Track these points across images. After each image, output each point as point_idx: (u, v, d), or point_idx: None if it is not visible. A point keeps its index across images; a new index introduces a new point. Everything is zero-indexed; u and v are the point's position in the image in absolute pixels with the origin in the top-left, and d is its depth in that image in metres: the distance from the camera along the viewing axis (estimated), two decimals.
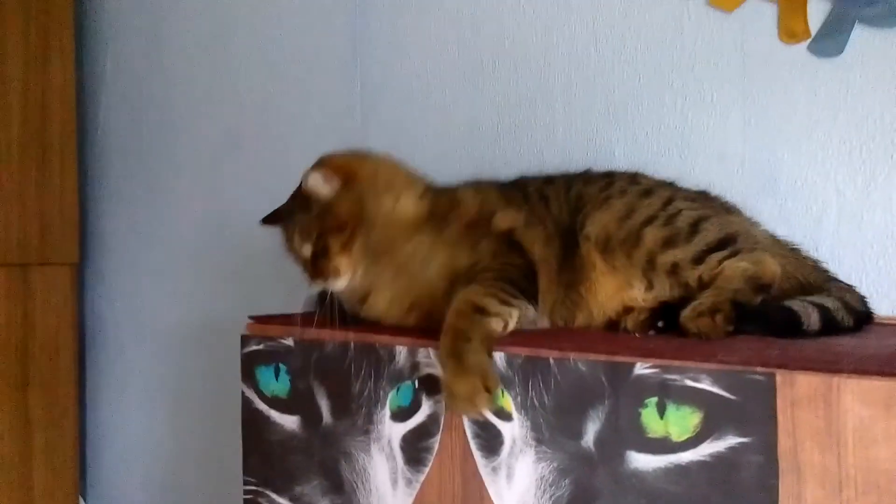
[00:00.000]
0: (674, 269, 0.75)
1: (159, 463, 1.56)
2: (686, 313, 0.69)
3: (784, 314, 0.69)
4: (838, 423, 0.51)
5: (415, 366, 0.74)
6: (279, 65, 1.36)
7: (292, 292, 1.11)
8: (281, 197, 1.32)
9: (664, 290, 0.76)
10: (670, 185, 0.83)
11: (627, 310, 0.78)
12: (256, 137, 1.40)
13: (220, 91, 1.45)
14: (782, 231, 0.82)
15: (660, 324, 0.73)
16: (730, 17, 0.91)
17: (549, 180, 0.87)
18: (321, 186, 0.83)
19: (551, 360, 0.65)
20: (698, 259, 0.75)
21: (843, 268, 0.81)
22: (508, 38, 1.09)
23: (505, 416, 0.68)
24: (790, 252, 0.81)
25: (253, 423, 0.87)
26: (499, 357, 0.68)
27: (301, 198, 0.86)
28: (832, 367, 0.53)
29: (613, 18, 1.00)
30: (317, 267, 0.82)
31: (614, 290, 0.78)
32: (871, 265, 0.84)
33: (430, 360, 0.73)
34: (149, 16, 1.56)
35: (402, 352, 0.74)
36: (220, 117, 1.45)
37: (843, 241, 0.83)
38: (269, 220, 0.91)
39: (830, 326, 0.70)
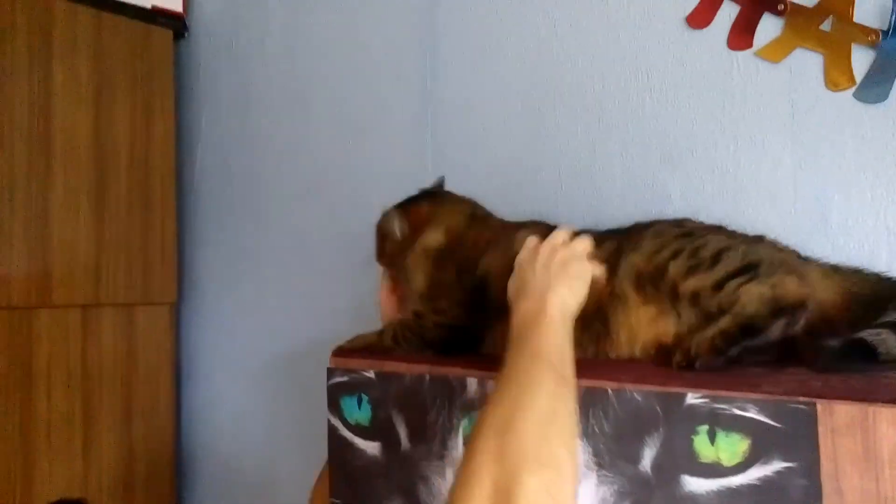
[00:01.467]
0: (695, 298, 0.77)
1: (251, 487, 1.67)
2: (695, 339, 0.73)
3: (858, 348, 0.69)
4: (875, 448, 0.56)
5: (485, 396, 0.81)
6: (356, 119, 1.47)
7: (368, 327, 1.22)
8: (357, 240, 1.43)
9: (690, 320, 0.78)
10: (718, 229, 0.86)
11: (662, 342, 0.80)
12: (335, 186, 1.51)
13: (301, 145, 1.57)
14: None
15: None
16: (778, 66, 0.96)
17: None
18: (395, 228, 0.97)
19: (609, 391, 0.71)
20: (718, 286, 0.75)
21: None
22: (566, 87, 1.17)
23: None
24: (852, 273, 0.80)
25: (338, 449, 0.94)
26: None
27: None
28: (869, 396, 0.57)
29: (666, 68, 1.07)
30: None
31: (648, 322, 0.81)
32: None
33: (485, 390, 0.80)
34: (239, 77, 1.71)
35: (473, 383, 0.81)
36: (301, 169, 1.57)
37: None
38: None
39: None
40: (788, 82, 0.95)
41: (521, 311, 0.75)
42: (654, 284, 0.81)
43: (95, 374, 1.60)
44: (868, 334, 0.70)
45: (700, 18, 1.03)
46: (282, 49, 1.61)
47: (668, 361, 0.76)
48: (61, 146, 1.55)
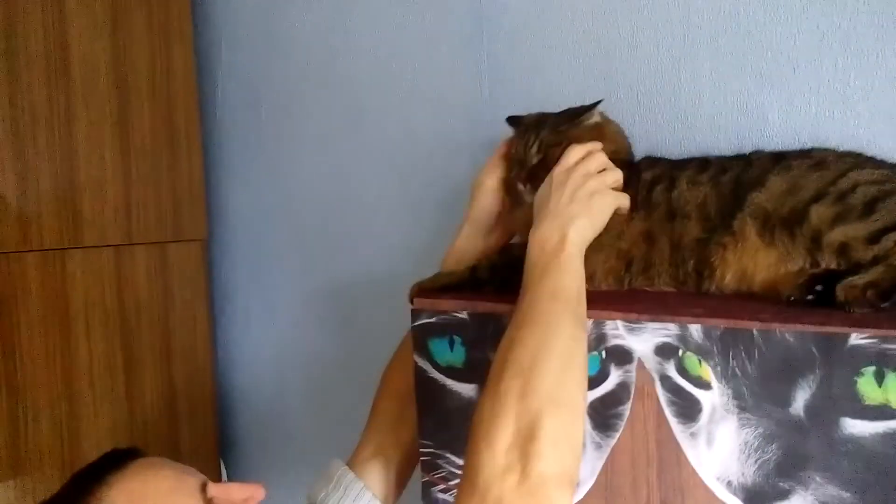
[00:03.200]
0: (843, 249, 0.73)
1: (291, 424, 1.66)
2: (843, 282, 0.69)
3: None
4: None
5: (601, 337, 0.77)
6: (399, 42, 1.37)
7: (416, 262, 1.16)
8: (405, 172, 1.36)
9: (831, 266, 0.74)
10: (853, 156, 0.80)
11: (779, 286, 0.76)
12: (377, 115, 1.42)
13: (339, 70, 1.47)
14: None
15: (818, 287, 0.72)
16: None
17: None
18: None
19: (755, 332, 0.67)
20: (873, 239, 0.71)
21: None
22: (647, 4, 1.08)
23: (703, 384, 0.71)
24: None
25: (428, 392, 0.91)
26: (695, 329, 0.71)
27: None
28: None
29: None
30: None
31: (768, 264, 0.77)
32: None
33: (617, 331, 0.76)
34: None
35: (588, 324, 0.77)
36: (339, 96, 1.48)
37: None
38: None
39: None
40: None
41: (542, 236, 0.78)
42: (787, 229, 0.76)
43: (133, 315, 1.55)
44: None
45: None
46: None
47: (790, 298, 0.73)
48: (81, 78, 1.45)
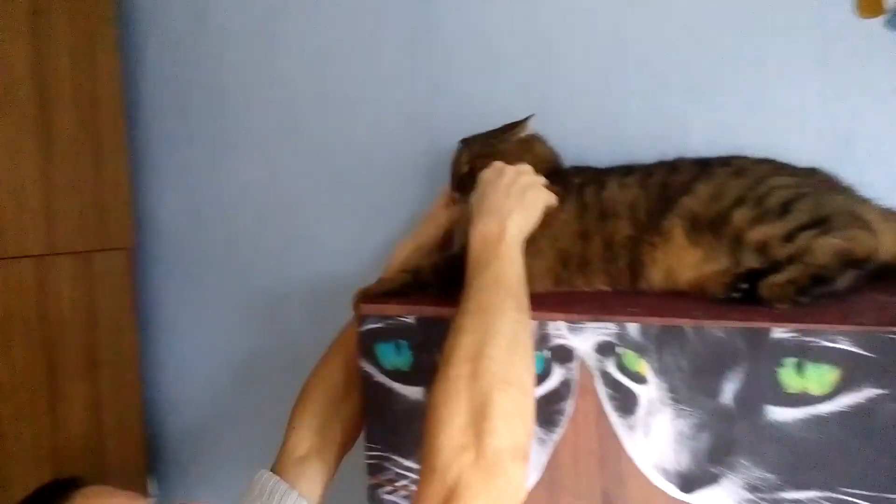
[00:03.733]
0: (763, 247, 0.78)
1: (223, 437, 1.62)
2: (764, 281, 0.75)
3: None
4: None
5: (545, 337, 0.81)
6: (336, 44, 1.37)
7: (354, 269, 1.18)
8: (343, 178, 1.36)
9: (752, 265, 0.79)
10: (769, 163, 0.87)
11: (703, 283, 0.81)
12: (314, 119, 1.42)
13: (274, 74, 1.46)
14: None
15: (744, 286, 0.76)
16: None
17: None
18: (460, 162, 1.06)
19: (687, 329, 0.72)
20: (789, 237, 0.77)
21: None
22: (579, 16, 1.12)
23: (641, 379, 0.75)
24: None
25: (374, 396, 0.92)
26: (633, 327, 0.75)
27: None
28: None
29: None
30: None
31: (694, 264, 0.83)
32: None
33: (559, 331, 0.80)
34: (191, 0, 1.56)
35: (532, 325, 0.81)
36: (274, 100, 1.46)
37: None
38: None
39: None
40: (818, 10, 0.95)
41: (483, 231, 0.83)
42: (713, 230, 0.81)
43: (55, 327, 1.49)
44: None
45: None
46: None
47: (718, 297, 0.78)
48: None
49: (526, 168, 0.93)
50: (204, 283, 1.62)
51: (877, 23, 0.93)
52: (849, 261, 0.74)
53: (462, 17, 1.23)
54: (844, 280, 0.74)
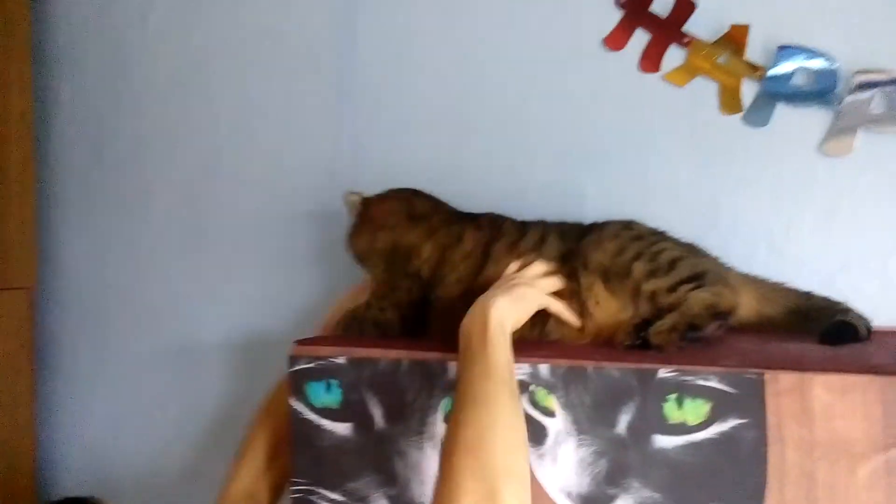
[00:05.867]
0: (653, 296, 0.93)
1: (125, 491, 1.58)
2: (652, 329, 0.90)
3: (848, 328, 0.90)
4: (810, 406, 0.75)
5: None
6: (260, 100, 1.43)
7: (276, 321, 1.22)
8: (263, 225, 1.40)
9: (647, 312, 0.94)
10: (660, 232, 1.02)
11: (619, 330, 0.94)
12: (235, 165, 1.45)
13: (194, 123, 1.49)
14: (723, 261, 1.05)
15: (643, 334, 0.91)
16: (682, 90, 1.16)
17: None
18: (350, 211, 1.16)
19: (589, 368, 0.85)
20: (672, 289, 0.92)
21: None
22: (488, 93, 1.27)
23: (550, 413, 0.86)
24: (775, 286, 1.00)
25: (302, 431, 0.96)
26: (544, 367, 0.87)
27: None
28: (805, 367, 0.76)
29: (585, 83, 1.22)
30: None
31: (614, 312, 0.96)
32: None
33: None
34: (111, 44, 1.57)
35: (454, 367, 0.89)
36: (193, 149, 1.49)
37: (771, 270, 1.04)
38: None
39: (868, 334, 0.91)
40: (689, 104, 1.15)
41: (468, 321, 0.87)
42: (619, 281, 0.95)
43: None
44: (854, 319, 0.92)
45: (616, 41, 1.19)
46: (168, 21, 1.52)
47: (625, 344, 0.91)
48: None
49: (513, 269, 0.98)
50: (109, 327, 1.58)
51: (736, 118, 1.13)
52: (715, 312, 0.90)
53: (385, 80, 1.34)
54: (711, 328, 0.90)
